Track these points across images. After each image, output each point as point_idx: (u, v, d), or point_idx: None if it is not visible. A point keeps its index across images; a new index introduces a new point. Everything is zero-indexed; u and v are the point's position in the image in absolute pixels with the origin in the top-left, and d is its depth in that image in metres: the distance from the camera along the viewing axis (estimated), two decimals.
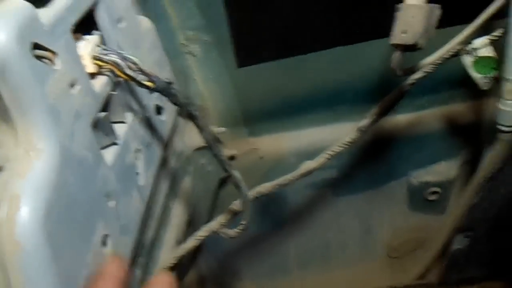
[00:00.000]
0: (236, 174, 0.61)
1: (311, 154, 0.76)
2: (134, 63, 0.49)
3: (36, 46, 0.38)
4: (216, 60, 0.84)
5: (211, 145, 0.54)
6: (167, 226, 0.71)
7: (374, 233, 1.11)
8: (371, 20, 0.81)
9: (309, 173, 0.77)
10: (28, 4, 0.38)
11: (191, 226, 0.80)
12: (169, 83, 0.50)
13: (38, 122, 0.38)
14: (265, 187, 0.76)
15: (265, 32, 0.83)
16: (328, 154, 0.77)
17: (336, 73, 0.89)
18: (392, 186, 1.03)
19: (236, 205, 0.74)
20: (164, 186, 0.69)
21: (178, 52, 0.81)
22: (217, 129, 0.90)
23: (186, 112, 0.52)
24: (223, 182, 0.98)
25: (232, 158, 0.97)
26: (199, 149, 0.84)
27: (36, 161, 0.38)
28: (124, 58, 0.49)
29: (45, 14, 0.41)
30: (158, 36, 0.66)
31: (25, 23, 0.37)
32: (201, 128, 0.53)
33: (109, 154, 0.49)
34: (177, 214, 0.76)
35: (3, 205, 0.36)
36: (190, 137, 0.81)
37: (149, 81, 0.49)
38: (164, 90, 0.50)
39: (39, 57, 0.39)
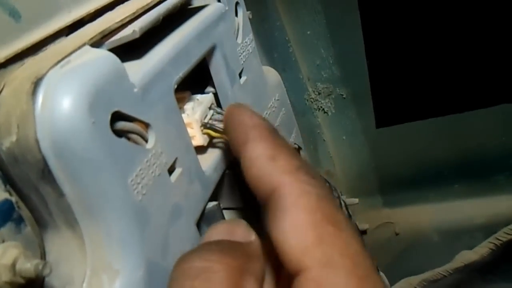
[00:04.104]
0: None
1: (458, 233, 0.65)
2: None
3: (119, 116, 0.26)
4: (351, 119, 0.70)
5: None
6: None
7: None
8: None
9: (467, 267, 0.60)
10: (111, 55, 0.26)
11: None
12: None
13: (114, 231, 0.25)
14: (409, 283, 0.60)
15: (410, 88, 0.69)
16: (494, 243, 0.60)
17: (498, 136, 0.72)
18: None
19: None
20: None
21: (307, 108, 0.68)
22: (349, 200, 0.74)
23: None
24: None
25: (363, 232, 0.81)
26: None
27: None
28: None
29: (137, 69, 0.28)
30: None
31: (105, 83, 0.25)
32: None
33: None
34: None
35: None
36: None
37: None
38: None
39: (122, 132, 0.26)
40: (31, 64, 0.26)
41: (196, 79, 0.38)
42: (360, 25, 0.62)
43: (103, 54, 0.26)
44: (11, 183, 0.25)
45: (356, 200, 0.76)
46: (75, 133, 0.23)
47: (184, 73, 0.32)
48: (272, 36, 0.60)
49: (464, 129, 0.71)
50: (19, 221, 0.25)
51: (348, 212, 0.40)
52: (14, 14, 0.27)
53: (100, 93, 0.24)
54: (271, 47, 0.60)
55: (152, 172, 0.27)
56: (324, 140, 0.72)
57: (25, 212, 0.26)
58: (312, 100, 0.68)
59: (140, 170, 0.26)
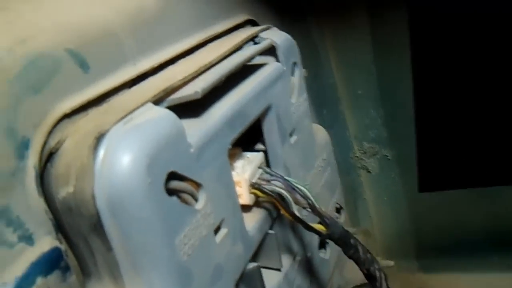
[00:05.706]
0: None
1: None
2: (305, 197, 0.35)
3: (173, 175, 0.26)
4: (395, 180, 0.69)
5: None
6: None
7: None
8: None
9: None
10: (172, 115, 0.27)
11: None
12: (346, 231, 0.36)
13: None
14: None
15: (457, 156, 0.67)
16: None
17: None
18: None
19: None
20: None
21: (351, 166, 0.67)
22: (384, 262, 0.73)
23: (365, 271, 0.37)
24: None
25: None
26: (359, 286, 0.68)
27: None
28: (293, 189, 0.35)
29: (195, 128, 0.29)
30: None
31: (165, 143, 0.25)
32: None
33: None
34: None
35: None
36: (351, 271, 0.65)
37: (321, 223, 0.36)
38: (340, 239, 0.36)
39: (174, 192, 0.26)
40: (94, 116, 0.27)
41: (247, 135, 0.38)
42: (412, 90, 0.62)
43: (165, 113, 0.26)
44: (62, 231, 0.26)
45: (391, 263, 0.75)
46: (131, 192, 0.23)
47: (239, 133, 0.32)
48: (323, 92, 0.60)
49: (505, 202, 0.69)
50: (66, 269, 0.25)
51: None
52: (84, 66, 0.27)
53: (159, 154, 0.25)
54: (321, 104, 0.60)
55: (199, 233, 0.27)
56: (365, 198, 0.71)
57: (72, 261, 0.26)
58: (356, 158, 0.68)
59: (188, 230, 0.27)
